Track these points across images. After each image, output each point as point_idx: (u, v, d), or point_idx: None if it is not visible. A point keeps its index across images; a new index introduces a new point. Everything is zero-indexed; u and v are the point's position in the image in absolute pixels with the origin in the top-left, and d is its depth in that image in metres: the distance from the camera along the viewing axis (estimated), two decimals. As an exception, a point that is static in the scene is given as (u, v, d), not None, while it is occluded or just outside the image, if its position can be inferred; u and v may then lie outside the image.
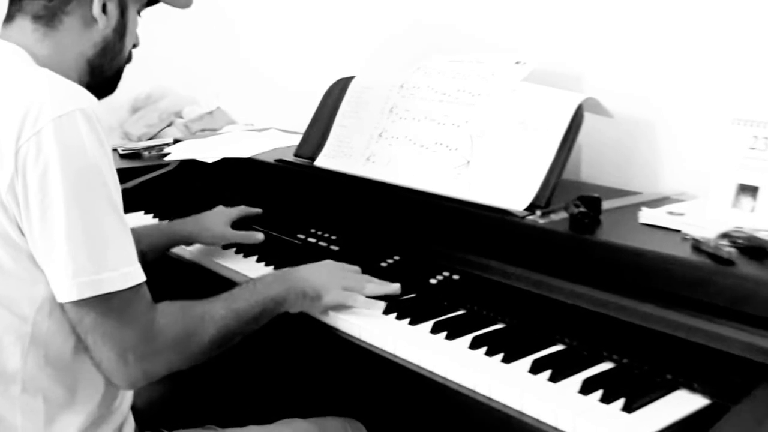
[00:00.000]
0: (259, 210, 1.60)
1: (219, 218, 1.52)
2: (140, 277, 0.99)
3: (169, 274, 1.47)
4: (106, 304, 0.96)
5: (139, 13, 1.23)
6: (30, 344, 0.99)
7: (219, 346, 1.07)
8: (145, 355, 0.99)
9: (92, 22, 1.12)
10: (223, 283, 1.28)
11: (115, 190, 0.99)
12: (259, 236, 1.48)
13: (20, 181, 0.93)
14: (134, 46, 1.23)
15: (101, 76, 1.15)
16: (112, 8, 1.14)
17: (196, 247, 1.54)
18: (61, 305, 0.97)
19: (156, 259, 1.46)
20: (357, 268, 1.27)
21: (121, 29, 1.16)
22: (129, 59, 1.23)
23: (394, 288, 1.22)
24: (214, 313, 1.07)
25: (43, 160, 0.93)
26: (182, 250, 1.55)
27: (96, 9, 1.11)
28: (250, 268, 1.41)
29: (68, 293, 0.95)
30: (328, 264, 1.27)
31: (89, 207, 0.95)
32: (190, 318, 1.04)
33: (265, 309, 1.12)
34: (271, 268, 1.39)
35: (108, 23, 1.13)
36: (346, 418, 1.28)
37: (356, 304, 1.18)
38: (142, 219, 1.79)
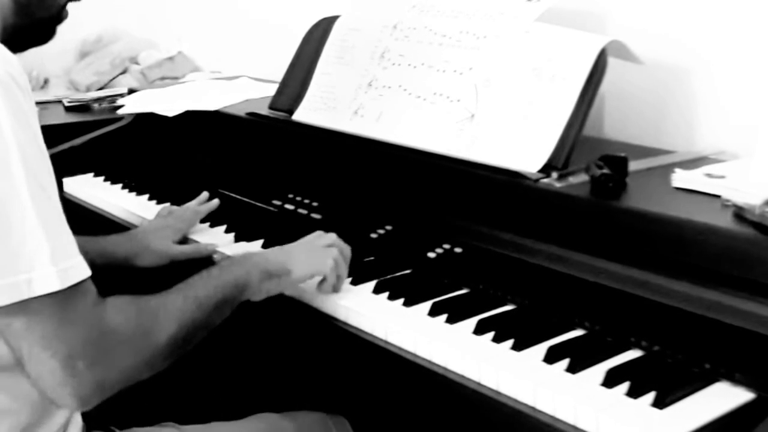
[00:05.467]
0: (215, 202, 1.50)
1: (164, 233, 1.43)
2: (83, 272, 0.94)
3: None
4: (38, 304, 0.90)
5: None
6: None
7: (181, 344, 1.03)
8: (96, 359, 0.93)
9: None
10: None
11: (44, 171, 0.93)
12: (210, 248, 1.39)
13: None
14: None
15: (31, 18, 1.09)
16: None
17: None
18: None
19: None
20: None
21: None
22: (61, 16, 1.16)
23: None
24: (170, 306, 1.02)
25: None
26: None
27: None
28: (216, 240, 1.40)
29: None
30: (297, 244, 1.22)
31: (5, 194, 0.89)
32: (144, 313, 1.00)
33: (226, 295, 1.09)
34: (243, 243, 1.39)
35: None
36: (326, 413, 1.28)
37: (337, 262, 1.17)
38: (91, 182, 1.78)
